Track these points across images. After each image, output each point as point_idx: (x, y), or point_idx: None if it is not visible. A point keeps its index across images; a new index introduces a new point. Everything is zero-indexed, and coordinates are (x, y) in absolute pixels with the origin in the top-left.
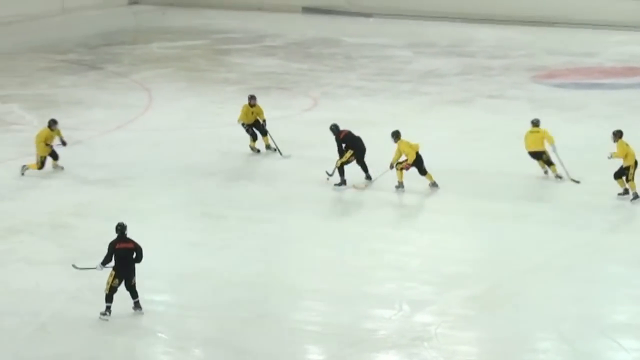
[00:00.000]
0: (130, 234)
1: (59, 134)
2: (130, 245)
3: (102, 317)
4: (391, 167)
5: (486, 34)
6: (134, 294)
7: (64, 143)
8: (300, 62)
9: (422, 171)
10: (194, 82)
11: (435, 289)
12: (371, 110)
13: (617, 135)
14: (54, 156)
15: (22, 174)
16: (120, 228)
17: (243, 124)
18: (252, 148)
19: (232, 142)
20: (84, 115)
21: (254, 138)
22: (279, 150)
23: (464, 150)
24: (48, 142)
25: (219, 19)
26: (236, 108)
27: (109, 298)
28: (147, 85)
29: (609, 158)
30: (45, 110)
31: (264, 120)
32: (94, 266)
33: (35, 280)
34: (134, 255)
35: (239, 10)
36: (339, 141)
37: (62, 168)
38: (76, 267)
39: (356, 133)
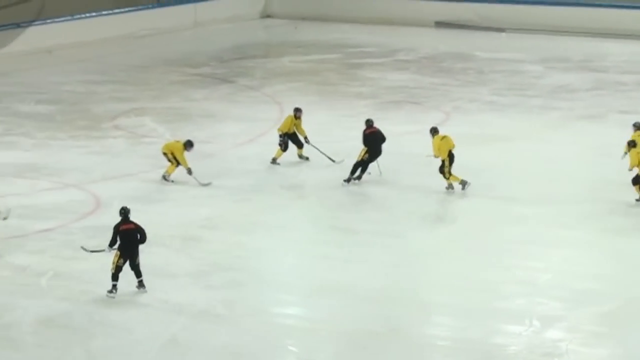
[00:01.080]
0: (259, 246)
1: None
2: (133, 227)
3: (108, 294)
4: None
5: (619, 49)
6: (137, 273)
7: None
8: (432, 77)
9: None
10: (325, 96)
11: (566, 304)
12: (501, 125)
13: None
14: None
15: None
16: (124, 212)
17: (281, 135)
18: (274, 160)
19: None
20: (215, 129)
21: (284, 149)
22: (330, 158)
23: (595, 166)
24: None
25: (351, 33)
26: None
27: (114, 277)
28: (278, 98)
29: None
30: (177, 124)
31: (305, 137)
32: (103, 249)
33: (166, 292)
34: (139, 237)
35: (372, 24)
36: (363, 137)
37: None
38: (85, 250)
39: (483, 148)
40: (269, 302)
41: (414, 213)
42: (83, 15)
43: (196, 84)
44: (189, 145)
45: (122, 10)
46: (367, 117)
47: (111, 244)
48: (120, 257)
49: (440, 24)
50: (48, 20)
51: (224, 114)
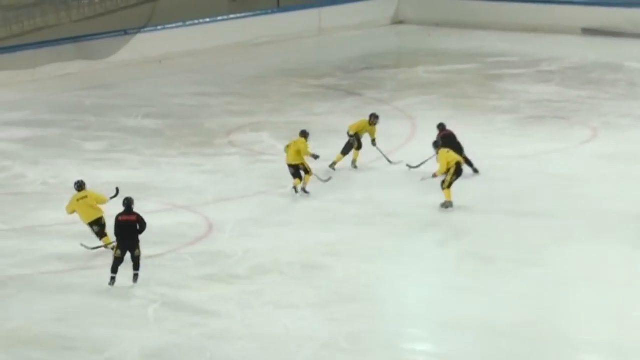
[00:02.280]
0: (386, 275)
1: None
2: (133, 218)
3: (109, 285)
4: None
5: None
6: (136, 265)
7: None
8: (578, 89)
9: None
10: (461, 110)
11: None
12: None
13: None
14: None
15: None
16: (127, 202)
17: (351, 134)
18: (332, 164)
19: (497, 179)
20: (340, 146)
21: (359, 147)
22: (387, 159)
23: None
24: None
25: (490, 41)
26: (507, 140)
27: (113, 269)
28: (410, 113)
29: None
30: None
31: (374, 140)
32: (104, 245)
33: (285, 325)
34: (138, 228)
35: (513, 31)
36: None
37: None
38: (86, 247)
39: (636, 168)
40: (396, 336)
41: (554, 239)
42: (196, 22)
43: (319, 96)
44: (305, 134)
45: (239, 15)
46: (507, 133)
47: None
48: (117, 248)
49: (587, 31)
50: (158, 27)
51: None
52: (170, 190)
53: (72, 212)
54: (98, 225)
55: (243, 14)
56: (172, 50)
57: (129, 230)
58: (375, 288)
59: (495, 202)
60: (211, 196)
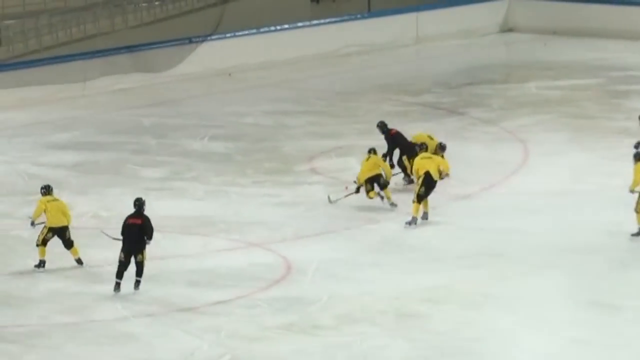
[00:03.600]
0: (495, 326)
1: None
2: (139, 222)
3: (114, 291)
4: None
5: None
6: (139, 271)
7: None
8: None
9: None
10: (581, 132)
11: None
12: None
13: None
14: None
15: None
16: (138, 204)
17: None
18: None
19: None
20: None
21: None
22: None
23: None
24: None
25: (616, 52)
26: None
27: (118, 274)
28: (521, 135)
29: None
30: None
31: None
32: (120, 238)
33: None
34: (142, 234)
35: None
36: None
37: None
38: (106, 234)
39: None
40: None
41: None
42: (272, 28)
43: (416, 115)
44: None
45: (323, 21)
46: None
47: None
48: (121, 250)
49: None
50: (227, 35)
51: (452, 154)
52: (241, 225)
53: (41, 212)
54: (63, 235)
55: (327, 20)
56: (243, 62)
57: (134, 234)
58: (482, 342)
59: (625, 243)
60: (290, 232)
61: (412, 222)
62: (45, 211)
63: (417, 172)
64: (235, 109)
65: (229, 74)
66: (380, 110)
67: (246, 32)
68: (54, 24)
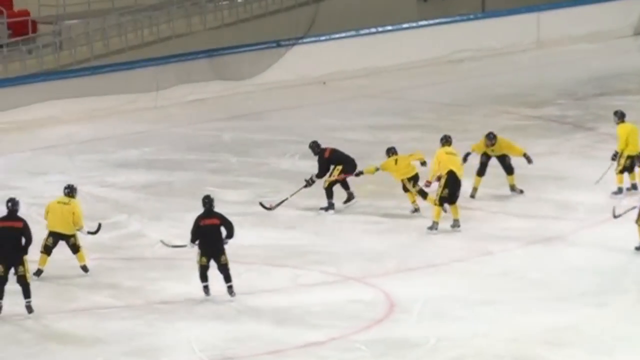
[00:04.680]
0: None
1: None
2: (216, 221)
3: (205, 293)
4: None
5: None
6: (226, 276)
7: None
8: None
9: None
10: None
11: None
12: None
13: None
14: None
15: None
16: (208, 201)
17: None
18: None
19: None
20: (564, 197)
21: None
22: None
23: None
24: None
25: None
26: None
27: (202, 277)
28: None
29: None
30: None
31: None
32: (184, 244)
33: None
34: (223, 232)
35: None
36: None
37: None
38: (165, 244)
39: None
40: None
41: None
42: (373, 30)
43: (537, 131)
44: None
45: (431, 22)
46: None
47: (192, 240)
48: (201, 255)
49: None
50: (322, 37)
51: (578, 176)
52: (337, 255)
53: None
54: (67, 241)
55: (436, 20)
56: (340, 69)
57: (213, 235)
58: None
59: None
60: (393, 264)
61: (433, 227)
62: (47, 212)
63: (440, 170)
64: (329, 123)
65: (323, 83)
66: (495, 125)
67: (343, 34)
68: (123, 25)
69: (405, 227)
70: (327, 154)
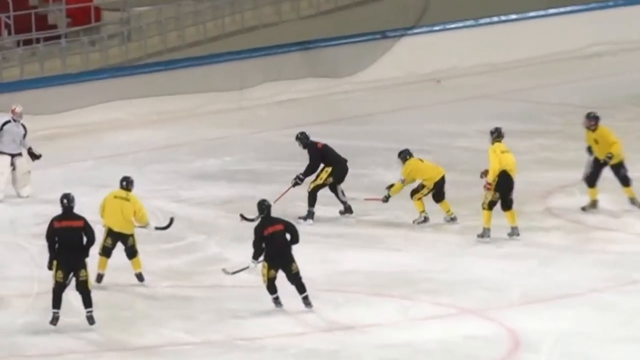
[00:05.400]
0: None
1: None
2: (280, 227)
3: (276, 305)
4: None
5: None
6: (300, 287)
7: None
8: None
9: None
10: None
11: None
12: None
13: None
14: None
15: None
16: (266, 206)
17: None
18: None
19: None
20: None
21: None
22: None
23: None
24: None
25: None
26: None
27: (271, 289)
28: None
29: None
30: None
31: (589, 147)
32: (246, 266)
33: None
34: (289, 238)
35: None
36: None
37: None
38: (227, 272)
39: None
40: None
41: None
42: (495, 19)
43: None
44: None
45: (562, 10)
46: None
47: (255, 256)
48: (269, 268)
49: None
50: (435, 27)
51: None
52: (452, 284)
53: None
54: (125, 242)
55: (569, 9)
56: (455, 64)
57: (280, 244)
58: None
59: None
60: (517, 294)
61: (484, 234)
62: (103, 209)
63: (496, 170)
64: (444, 128)
65: (437, 81)
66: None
67: (460, 24)
68: (201, 13)
69: (529, 250)
70: (319, 147)
